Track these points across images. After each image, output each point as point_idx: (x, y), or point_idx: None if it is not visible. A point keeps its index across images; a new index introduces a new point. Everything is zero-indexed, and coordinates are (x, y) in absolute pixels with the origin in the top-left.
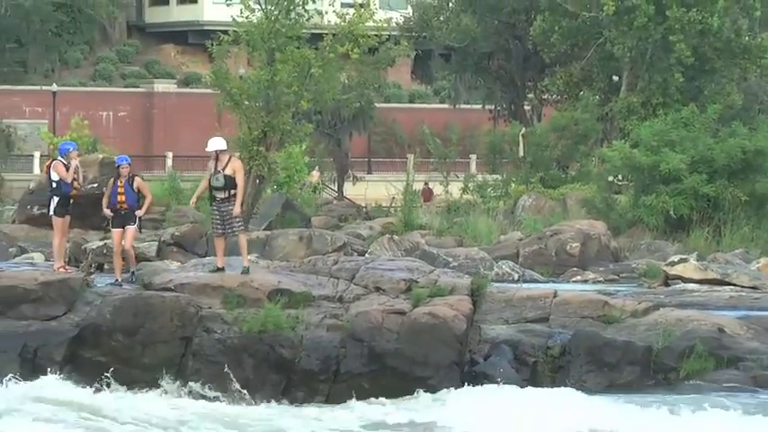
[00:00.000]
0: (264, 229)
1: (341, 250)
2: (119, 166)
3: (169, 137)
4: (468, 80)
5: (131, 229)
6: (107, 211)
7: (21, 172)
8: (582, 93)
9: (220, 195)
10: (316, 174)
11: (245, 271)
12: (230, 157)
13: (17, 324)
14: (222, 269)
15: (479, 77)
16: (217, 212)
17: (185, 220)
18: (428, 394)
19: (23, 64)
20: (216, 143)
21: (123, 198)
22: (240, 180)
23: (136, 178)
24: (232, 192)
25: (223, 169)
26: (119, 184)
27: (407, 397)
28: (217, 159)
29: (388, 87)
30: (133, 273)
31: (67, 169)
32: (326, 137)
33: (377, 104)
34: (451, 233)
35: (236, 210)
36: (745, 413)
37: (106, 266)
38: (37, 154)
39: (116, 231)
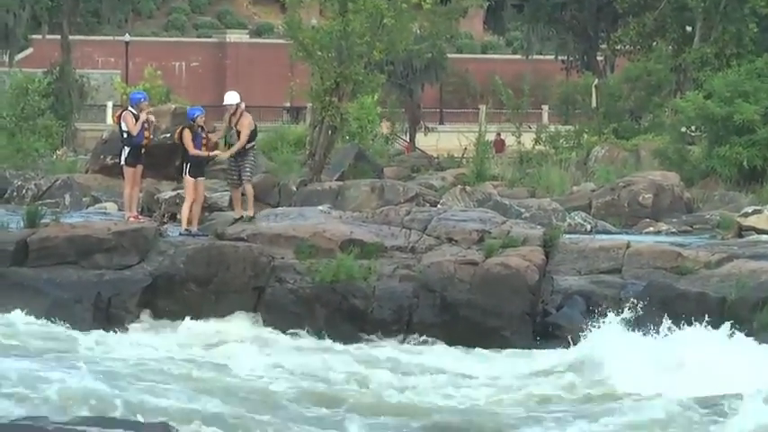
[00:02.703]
0: (337, 180)
1: (413, 201)
2: (197, 117)
3: (241, 87)
4: (541, 31)
5: (203, 182)
6: (206, 153)
7: (94, 122)
8: (655, 43)
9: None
10: (385, 124)
11: (248, 219)
12: (242, 113)
13: (91, 273)
14: (242, 218)
15: (552, 28)
16: (234, 164)
17: (258, 170)
18: None
19: (96, 14)
20: (230, 97)
21: (206, 150)
22: (243, 136)
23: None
24: (247, 146)
25: (236, 125)
26: (203, 135)
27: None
28: (233, 114)
29: (461, 38)
30: (195, 231)
31: (137, 120)
32: (398, 87)
33: (449, 55)
34: (524, 184)
35: (224, 155)
36: None
37: (179, 216)
38: (110, 104)
39: (193, 181)
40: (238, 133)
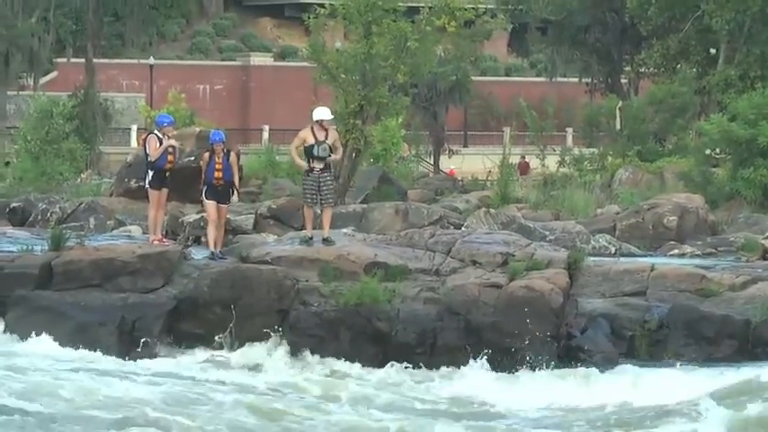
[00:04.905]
0: (361, 203)
1: (437, 223)
2: (213, 144)
3: (265, 110)
4: (565, 53)
5: (225, 207)
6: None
7: (118, 145)
8: (679, 66)
9: (320, 165)
10: (405, 147)
11: (330, 241)
12: (329, 128)
13: (115, 296)
14: (312, 239)
15: (576, 50)
16: (314, 182)
17: (282, 193)
18: None
19: (121, 37)
20: (326, 112)
21: (221, 174)
22: (339, 149)
23: (231, 153)
24: (328, 161)
25: (325, 139)
26: (216, 160)
27: None
28: (320, 129)
29: (485, 60)
30: (218, 254)
31: (161, 143)
32: (423, 110)
33: (473, 77)
34: (548, 207)
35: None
36: None
37: (203, 239)
38: (134, 127)
39: (210, 203)
40: (329, 147)
